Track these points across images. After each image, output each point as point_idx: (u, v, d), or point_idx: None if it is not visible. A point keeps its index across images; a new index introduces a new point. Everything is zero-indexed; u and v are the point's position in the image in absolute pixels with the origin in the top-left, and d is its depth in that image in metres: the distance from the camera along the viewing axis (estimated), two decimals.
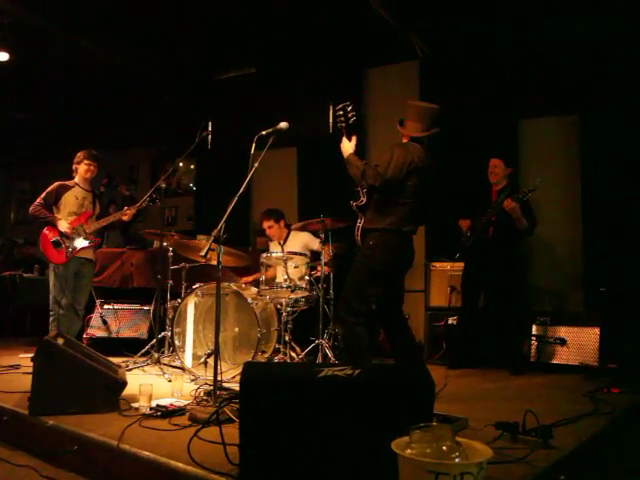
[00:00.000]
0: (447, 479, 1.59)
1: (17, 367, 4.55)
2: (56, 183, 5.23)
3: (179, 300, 4.73)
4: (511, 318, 5.00)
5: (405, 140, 3.69)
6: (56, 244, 5.02)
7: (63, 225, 5.05)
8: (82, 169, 5.22)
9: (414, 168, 3.52)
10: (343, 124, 3.62)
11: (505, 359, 4.94)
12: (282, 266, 4.75)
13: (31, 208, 5.14)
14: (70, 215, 5.13)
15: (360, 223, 3.68)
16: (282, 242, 5.45)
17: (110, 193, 8.96)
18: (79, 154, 5.26)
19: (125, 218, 5.20)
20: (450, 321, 5.45)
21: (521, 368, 4.80)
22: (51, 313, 5.04)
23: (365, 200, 3.66)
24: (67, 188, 5.20)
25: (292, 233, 5.62)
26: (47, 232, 5.06)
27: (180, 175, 8.92)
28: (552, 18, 5.49)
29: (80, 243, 5.10)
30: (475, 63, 6.07)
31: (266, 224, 5.61)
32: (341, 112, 3.59)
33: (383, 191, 3.53)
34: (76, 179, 5.27)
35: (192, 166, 8.75)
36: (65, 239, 5.04)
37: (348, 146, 3.66)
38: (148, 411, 2.99)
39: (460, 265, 5.43)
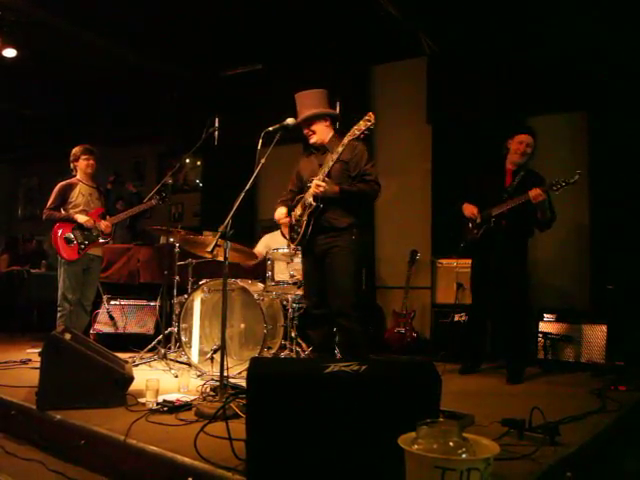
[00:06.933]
0: (454, 475, 1.58)
1: (25, 362, 4.58)
2: (59, 184, 5.22)
3: (186, 296, 4.74)
4: (518, 314, 4.56)
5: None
6: (68, 240, 5.01)
7: (82, 218, 5.05)
8: (82, 165, 5.22)
9: None
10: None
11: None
12: (287, 262, 4.75)
13: (44, 216, 5.15)
14: (81, 213, 5.11)
15: None
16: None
17: (118, 190, 8.97)
18: (75, 150, 5.26)
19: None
20: (456, 318, 5.43)
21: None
22: (59, 309, 5.03)
23: None
24: (72, 186, 5.19)
25: None
26: (58, 229, 5.04)
27: (187, 171, 8.94)
28: (560, 15, 5.45)
29: (94, 239, 5.10)
30: (483, 60, 6.03)
31: None
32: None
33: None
34: (78, 176, 5.26)
35: (199, 162, 8.76)
36: (78, 235, 5.03)
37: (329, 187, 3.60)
38: (155, 406, 3.01)
39: (467, 262, 5.07)
